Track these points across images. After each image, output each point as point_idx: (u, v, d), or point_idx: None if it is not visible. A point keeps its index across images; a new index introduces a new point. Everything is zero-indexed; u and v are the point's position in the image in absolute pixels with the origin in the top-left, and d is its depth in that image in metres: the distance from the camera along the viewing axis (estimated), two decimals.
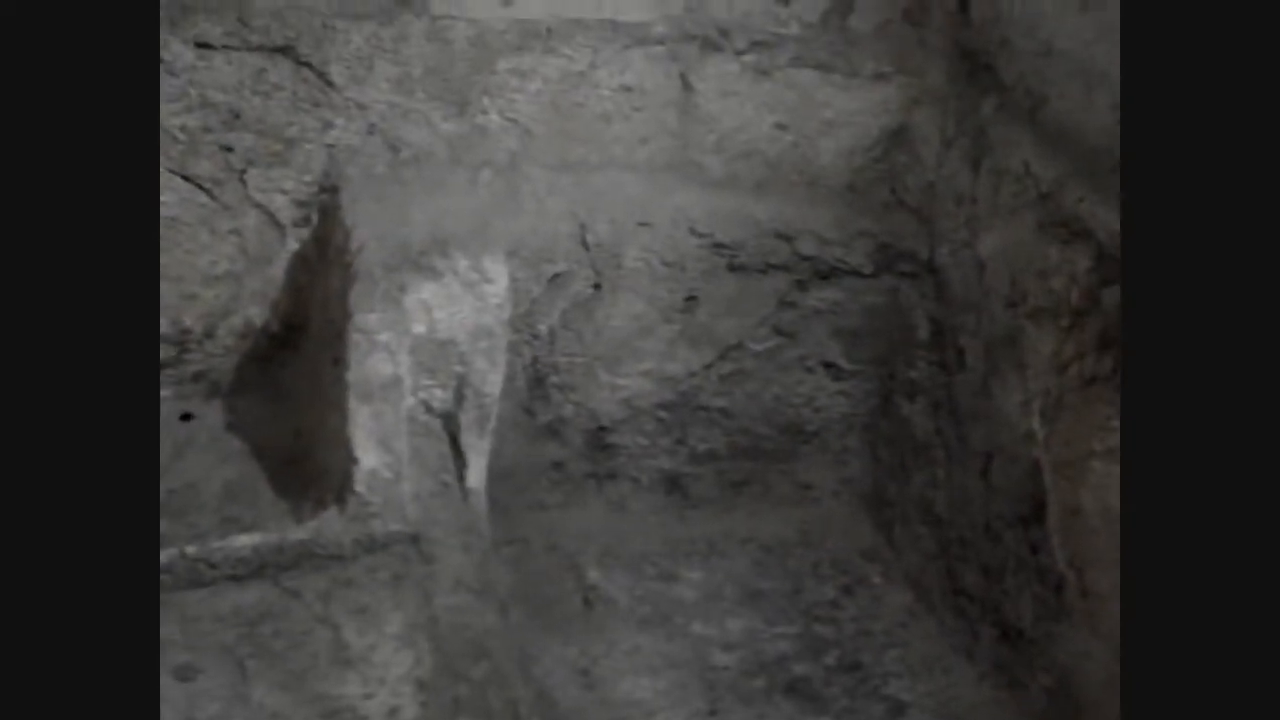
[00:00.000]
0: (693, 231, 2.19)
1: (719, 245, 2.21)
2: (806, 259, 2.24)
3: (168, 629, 1.72)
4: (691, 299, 2.22)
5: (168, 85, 2.00)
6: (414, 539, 1.88)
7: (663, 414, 2.28)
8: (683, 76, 2.18)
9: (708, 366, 2.27)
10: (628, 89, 2.17)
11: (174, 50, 1.98)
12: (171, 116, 2.02)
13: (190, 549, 1.81)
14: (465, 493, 1.98)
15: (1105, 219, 1.75)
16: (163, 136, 2.03)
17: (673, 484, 2.34)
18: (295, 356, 2.19)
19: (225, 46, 2.01)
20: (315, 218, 2.14)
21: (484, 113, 2.13)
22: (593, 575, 2.20)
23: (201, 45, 1.99)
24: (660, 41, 2.15)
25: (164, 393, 2.14)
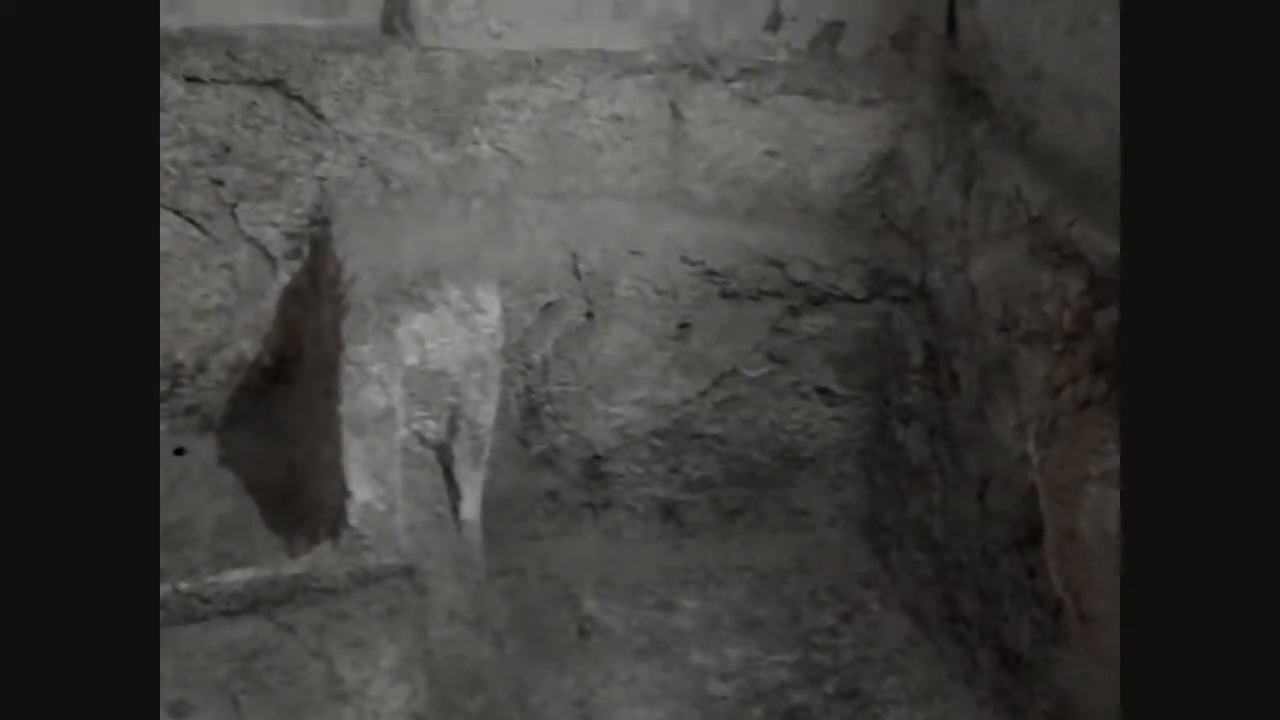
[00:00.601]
0: (684, 259, 2.20)
1: (711, 273, 2.21)
2: (799, 285, 2.24)
3: (162, 665, 1.71)
4: (684, 326, 2.22)
5: (160, 121, 2.00)
6: (408, 571, 1.87)
7: (657, 442, 2.27)
8: (672, 105, 2.19)
9: (702, 394, 2.27)
10: (618, 118, 2.17)
11: (164, 85, 1.99)
12: (162, 151, 2.02)
13: (184, 584, 1.80)
14: (459, 524, 1.97)
15: (1097, 242, 1.75)
16: None
17: (668, 512, 2.33)
18: (288, 389, 2.19)
19: (215, 80, 2.01)
20: (307, 250, 2.14)
21: (475, 143, 2.14)
22: (589, 605, 2.19)
23: (191, 79, 2.00)
24: (650, 71, 2.16)
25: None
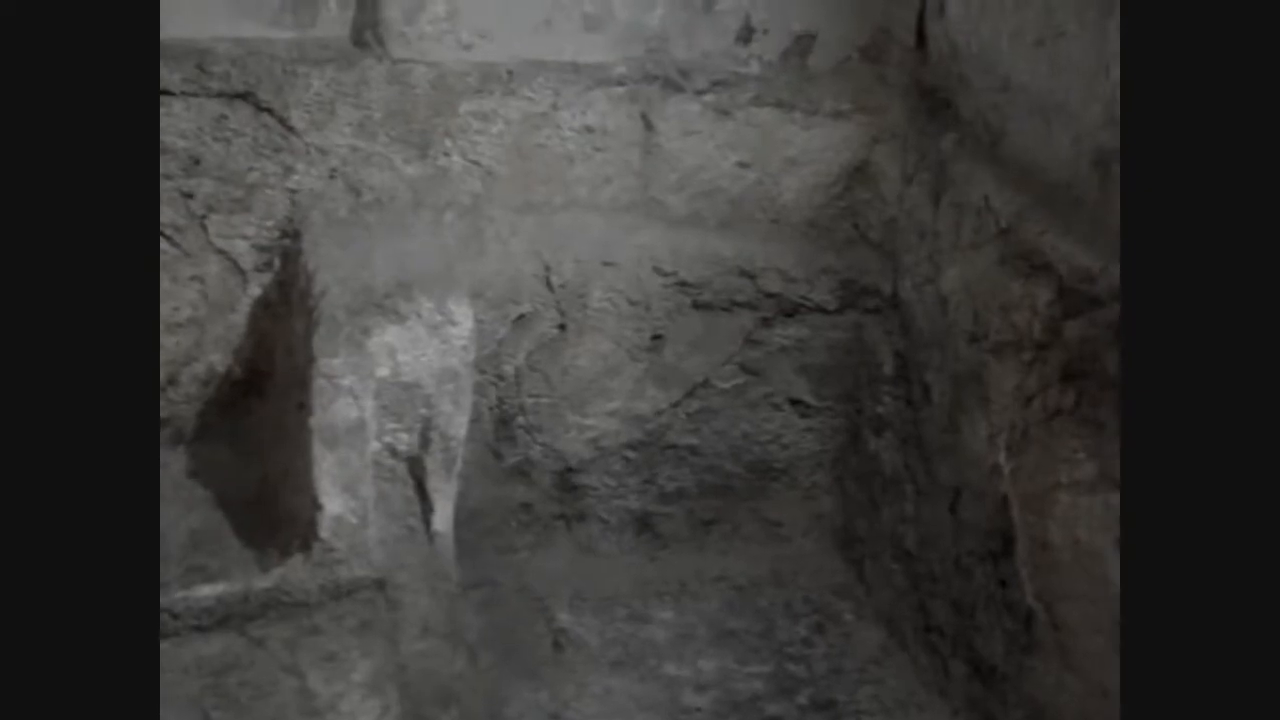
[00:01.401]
0: (657, 270, 2.20)
1: (684, 284, 2.22)
2: (771, 296, 2.25)
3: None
4: (657, 338, 2.22)
5: None
6: (380, 585, 1.86)
7: (631, 454, 2.27)
8: (644, 117, 2.19)
9: (675, 405, 2.27)
10: (590, 130, 2.17)
11: None
12: None
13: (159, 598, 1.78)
14: (432, 536, 1.96)
15: (1066, 252, 1.76)
16: None
17: (642, 524, 2.33)
18: (259, 403, 2.18)
19: (184, 93, 2.00)
20: (278, 263, 2.13)
21: (446, 155, 2.13)
22: (563, 618, 2.19)
23: (161, 92, 1.99)
24: (621, 82, 2.16)
25: None
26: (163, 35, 2.01)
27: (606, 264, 2.16)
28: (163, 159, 2.03)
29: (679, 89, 2.21)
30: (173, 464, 2.11)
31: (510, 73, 2.11)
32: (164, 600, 1.79)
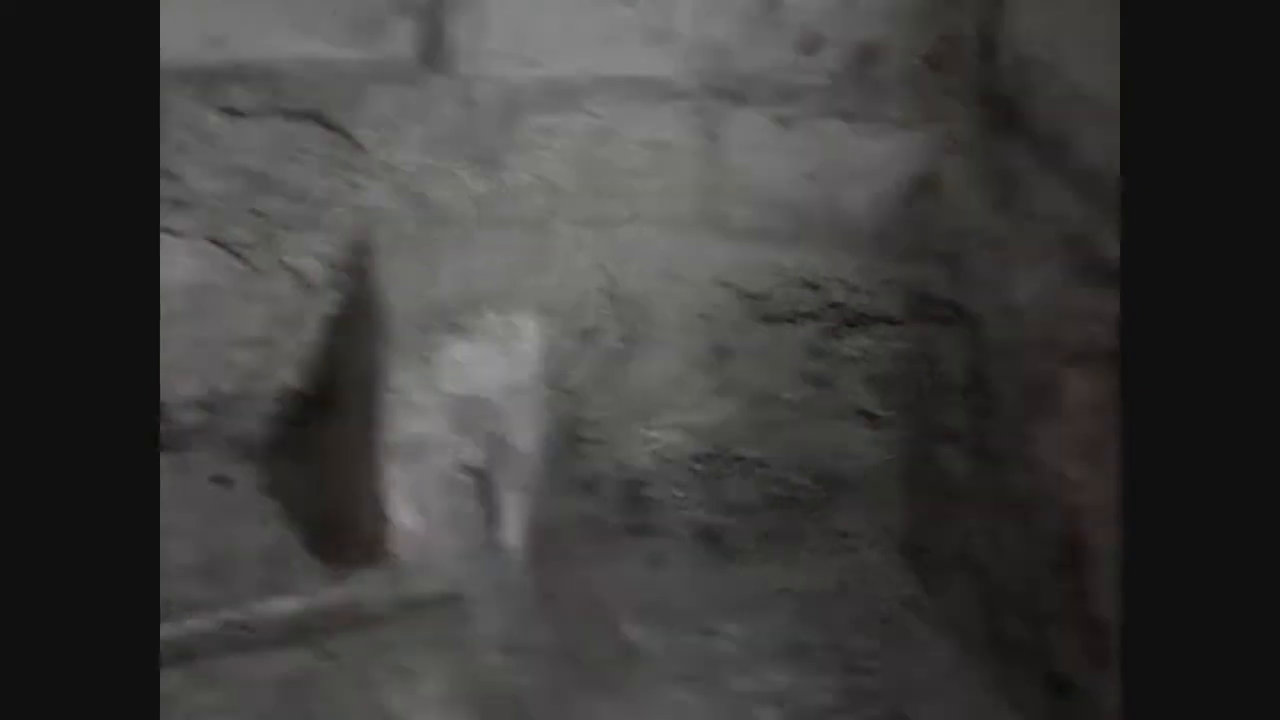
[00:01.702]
0: (722, 283, 2.20)
1: (749, 296, 2.21)
2: (836, 307, 2.24)
3: (207, 696, 1.72)
4: (723, 350, 2.22)
5: (200, 152, 2.02)
6: (452, 599, 1.88)
7: (697, 466, 2.27)
8: (709, 130, 2.19)
9: (741, 417, 2.27)
10: (654, 144, 2.17)
11: (205, 117, 2.01)
12: (204, 182, 2.04)
13: (229, 614, 1.81)
14: (502, 551, 1.98)
15: None
16: (195, 203, 2.05)
17: (709, 537, 2.33)
18: (329, 418, 2.20)
19: (255, 113, 2.03)
20: (346, 279, 2.15)
21: (512, 171, 2.14)
22: (631, 631, 2.18)
23: (232, 112, 2.02)
24: (686, 96, 2.16)
25: (199, 456, 2.14)
26: (233, 57, 2.05)
27: (672, 277, 2.16)
28: (234, 178, 2.06)
29: (744, 101, 2.21)
30: (245, 480, 2.13)
31: (576, 88, 2.12)
32: (239, 614, 1.81)
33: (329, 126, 2.07)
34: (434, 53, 2.12)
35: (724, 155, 2.22)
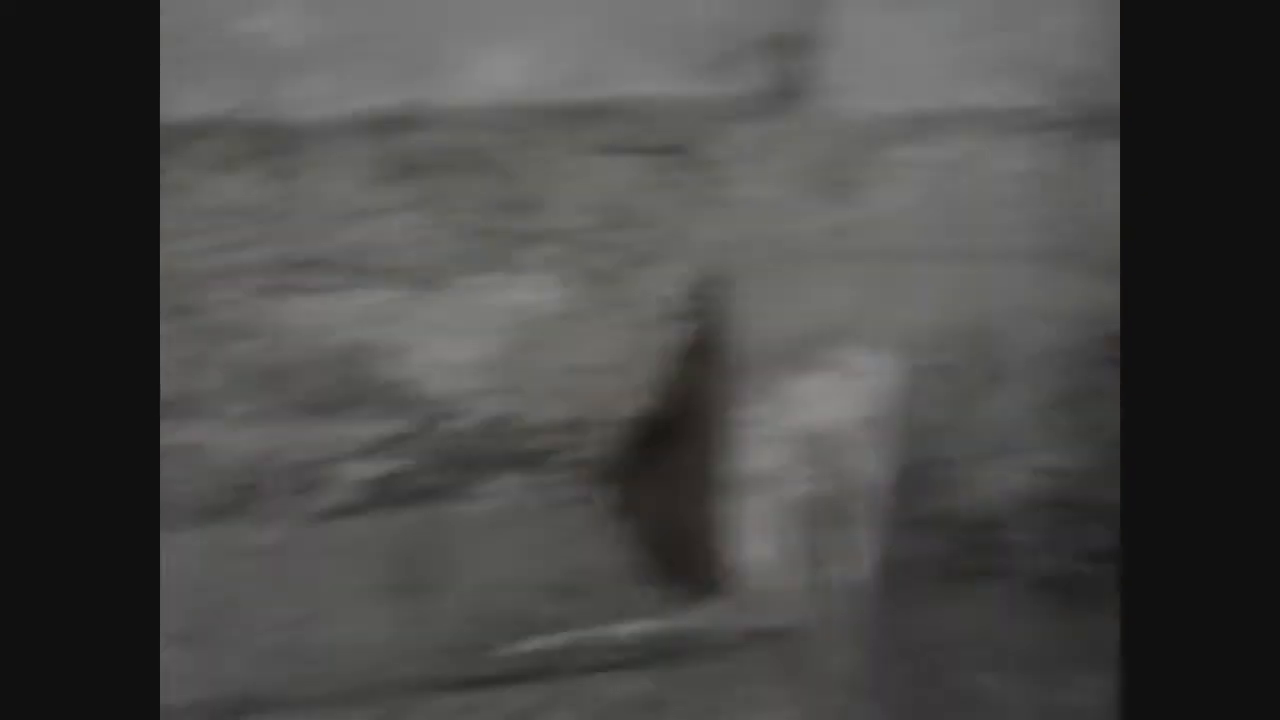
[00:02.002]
0: (1082, 320, 2.11)
1: (1110, 335, 2.11)
2: None
3: (564, 714, 1.77)
4: (1083, 390, 2.13)
5: (569, 188, 2.11)
6: (800, 634, 1.88)
7: (1053, 510, 2.19)
8: (1077, 162, 2.11)
9: (1101, 461, 2.17)
10: (1018, 175, 2.11)
11: (575, 156, 2.09)
12: (569, 217, 2.13)
13: (586, 633, 1.87)
14: (851, 587, 1.96)
15: None
16: (560, 235, 2.14)
17: (1063, 583, 2.24)
18: (679, 446, 2.24)
19: (620, 149, 2.10)
20: (700, 311, 2.19)
21: (869, 203, 2.13)
22: (978, 677, 2.12)
23: (601, 149, 2.09)
24: (1054, 127, 2.09)
25: (558, 477, 2.23)
26: (596, 95, 2.13)
27: (1032, 312, 2.09)
28: (595, 213, 2.14)
29: (1104, 132, 2.11)
30: (601, 501, 2.20)
31: (937, 118, 2.09)
32: (596, 634, 1.87)
33: (688, 161, 2.12)
34: (791, 86, 2.13)
35: (1085, 187, 2.14)
